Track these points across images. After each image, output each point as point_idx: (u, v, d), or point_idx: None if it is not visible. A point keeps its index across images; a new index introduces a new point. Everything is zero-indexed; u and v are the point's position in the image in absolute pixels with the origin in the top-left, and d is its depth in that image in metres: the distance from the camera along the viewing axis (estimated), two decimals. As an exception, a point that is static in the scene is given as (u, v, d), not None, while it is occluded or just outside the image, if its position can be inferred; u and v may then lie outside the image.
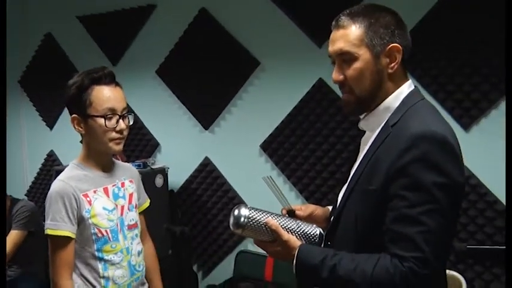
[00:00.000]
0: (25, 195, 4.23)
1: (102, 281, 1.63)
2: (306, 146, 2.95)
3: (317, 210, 1.46)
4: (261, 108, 3.10)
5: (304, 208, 1.44)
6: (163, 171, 3.16)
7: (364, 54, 1.18)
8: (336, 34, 1.22)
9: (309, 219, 1.42)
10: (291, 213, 1.41)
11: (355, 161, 1.34)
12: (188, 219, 3.41)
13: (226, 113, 3.24)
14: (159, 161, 3.40)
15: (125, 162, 3.13)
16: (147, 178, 3.01)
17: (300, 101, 2.94)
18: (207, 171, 3.33)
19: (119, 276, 1.66)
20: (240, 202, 3.21)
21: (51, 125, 4.09)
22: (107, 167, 1.70)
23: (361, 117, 1.30)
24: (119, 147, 1.62)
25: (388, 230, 1.10)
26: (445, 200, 1.06)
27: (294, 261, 1.19)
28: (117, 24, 3.57)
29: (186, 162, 3.39)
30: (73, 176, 1.61)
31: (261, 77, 3.10)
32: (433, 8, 2.52)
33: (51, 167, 4.04)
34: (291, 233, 1.25)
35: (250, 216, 1.22)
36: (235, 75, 3.15)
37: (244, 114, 3.18)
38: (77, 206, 1.57)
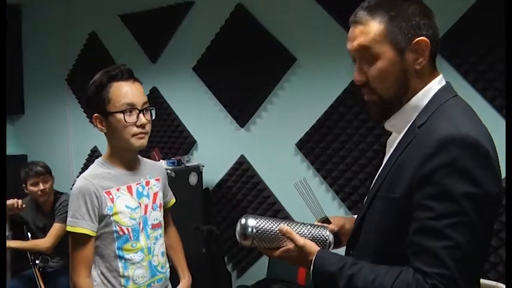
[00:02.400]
0: (70, 189, 4.37)
1: (122, 280, 1.61)
2: (343, 146, 2.83)
3: (346, 223, 1.36)
4: (297, 106, 3.01)
5: (336, 221, 1.35)
6: (197, 169, 3.15)
7: (386, 52, 1.06)
8: (354, 31, 1.11)
9: (340, 232, 1.34)
10: (326, 223, 1.34)
11: (381, 164, 1.24)
12: (223, 218, 3.39)
13: (262, 111, 3.18)
14: (195, 158, 3.40)
15: (160, 159, 3.18)
16: (181, 176, 3.01)
17: (337, 99, 2.83)
18: (242, 170, 3.28)
19: (139, 276, 1.63)
20: (275, 202, 3.14)
21: (95, 121, 4.20)
22: (132, 165, 1.68)
23: None
24: (141, 142, 1.59)
25: (412, 242, 1.00)
26: (475, 212, 0.94)
27: (311, 268, 1.13)
28: (157, 21, 3.61)
29: (222, 160, 3.36)
30: (96, 174, 1.60)
31: (297, 74, 3.01)
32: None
33: (95, 162, 4.17)
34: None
35: (257, 226, 1.17)
36: (271, 71, 3.08)
37: (280, 112, 3.10)
38: (98, 204, 1.56)
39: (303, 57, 2.97)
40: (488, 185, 0.96)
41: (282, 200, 3.12)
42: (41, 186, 2.98)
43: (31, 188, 2.99)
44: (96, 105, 1.58)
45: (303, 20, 2.94)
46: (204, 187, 3.26)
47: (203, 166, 3.20)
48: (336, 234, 1.28)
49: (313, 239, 1.21)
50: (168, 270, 1.77)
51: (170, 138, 3.62)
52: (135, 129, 1.56)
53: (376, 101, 1.12)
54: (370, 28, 1.08)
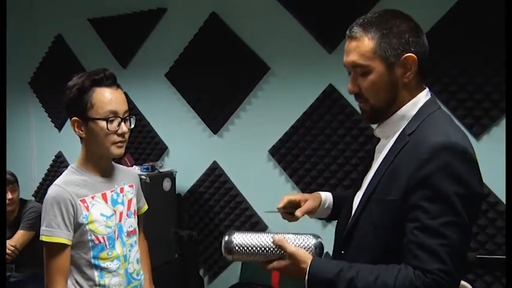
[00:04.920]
0: (32, 195, 4.24)
1: None
2: (315, 152, 2.93)
3: (310, 206, 1.43)
4: (270, 113, 3.09)
5: (300, 212, 1.41)
6: (171, 175, 3.16)
7: (377, 66, 1.16)
8: (349, 45, 1.21)
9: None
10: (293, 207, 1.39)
11: (368, 168, 1.32)
12: (195, 224, 3.41)
13: (235, 118, 3.23)
14: (166, 164, 3.40)
15: (133, 165, 3.17)
16: (155, 181, 3.01)
17: (310, 107, 2.93)
18: (215, 176, 3.32)
19: (116, 284, 1.60)
20: (248, 207, 3.20)
21: (59, 126, 4.11)
22: (107, 172, 1.65)
23: (376, 125, 1.29)
24: (120, 151, 1.57)
25: (409, 241, 1.08)
26: (465, 211, 1.05)
27: (306, 276, 1.15)
28: (128, 27, 3.59)
29: (194, 166, 3.39)
30: (70, 181, 1.56)
31: (270, 82, 3.09)
32: (445, 16, 2.52)
33: (59, 168, 4.06)
34: None
35: (240, 242, 1.20)
36: (245, 79, 3.15)
37: (253, 119, 3.17)
38: (74, 212, 1.52)
39: (277, 66, 3.06)
40: (476, 187, 1.08)
41: (255, 205, 3.19)
42: (9, 195, 2.88)
43: None
44: (76, 109, 1.53)
45: (276, 29, 3.03)
46: (176, 193, 3.27)
47: (176, 172, 3.21)
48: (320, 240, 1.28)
49: (300, 247, 1.21)
50: (143, 277, 1.76)
51: (141, 144, 3.60)
52: (115, 138, 1.54)
53: (368, 109, 1.23)
54: (363, 44, 1.17)
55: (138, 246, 1.76)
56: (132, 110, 3.58)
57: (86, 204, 1.54)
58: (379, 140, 1.31)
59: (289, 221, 1.44)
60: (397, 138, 1.21)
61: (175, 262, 3.17)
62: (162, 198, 3.07)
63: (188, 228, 3.33)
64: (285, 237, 1.22)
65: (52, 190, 1.53)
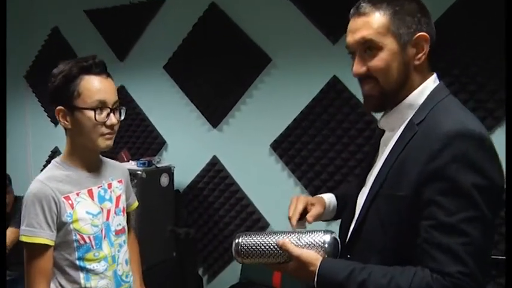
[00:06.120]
0: (28, 192, 4.15)
1: None
2: (318, 147, 2.82)
3: (318, 211, 1.33)
4: (272, 107, 2.99)
5: (313, 212, 1.31)
6: (169, 170, 3.06)
7: (390, 44, 1.07)
8: (356, 22, 1.10)
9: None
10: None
11: (372, 163, 1.22)
12: (194, 221, 3.31)
13: (235, 111, 3.13)
14: (165, 159, 3.31)
15: (130, 160, 3.07)
16: (152, 177, 2.91)
17: (313, 100, 2.82)
18: (214, 171, 3.22)
19: (103, 287, 1.50)
20: (249, 204, 3.09)
21: (56, 121, 4.00)
22: (93, 166, 1.54)
23: (381, 115, 1.19)
24: (108, 143, 1.47)
25: (424, 241, 0.98)
26: (486, 204, 0.95)
27: (315, 278, 1.07)
28: (125, 18, 3.50)
29: (193, 161, 3.29)
30: (53, 177, 1.45)
31: (272, 74, 2.98)
32: (455, 4, 2.40)
33: (55, 164, 3.97)
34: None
35: (248, 243, 1.18)
36: (245, 72, 3.04)
37: (254, 113, 3.07)
38: (57, 210, 1.41)
39: (278, 57, 2.95)
40: (496, 177, 0.97)
41: (256, 201, 3.08)
42: (6, 200, 2.79)
43: None
44: (62, 97, 1.43)
45: (278, 20, 2.93)
46: (175, 189, 3.17)
47: (174, 167, 3.11)
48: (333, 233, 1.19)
49: (310, 247, 1.13)
50: (132, 278, 1.66)
51: (138, 138, 3.51)
52: (103, 129, 1.44)
53: (377, 94, 1.11)
54: (374, 20, 1.08)
55: (128, 246, 1.65)
56: (130, 103, 3.49)
57: (70, 202, 1.44)
58: (383, 133, 1.21)
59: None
60: (405, 128, 1.10)
61: (172, 261, 3.07)
62: (159, 194, 2.97)
63: (187, 225, 3.22)
64: (292, 237, 1.14)
65: (33, 186, 1.43)
